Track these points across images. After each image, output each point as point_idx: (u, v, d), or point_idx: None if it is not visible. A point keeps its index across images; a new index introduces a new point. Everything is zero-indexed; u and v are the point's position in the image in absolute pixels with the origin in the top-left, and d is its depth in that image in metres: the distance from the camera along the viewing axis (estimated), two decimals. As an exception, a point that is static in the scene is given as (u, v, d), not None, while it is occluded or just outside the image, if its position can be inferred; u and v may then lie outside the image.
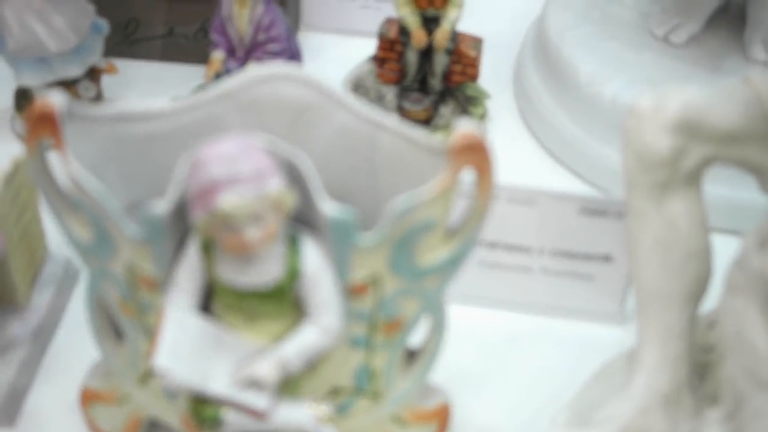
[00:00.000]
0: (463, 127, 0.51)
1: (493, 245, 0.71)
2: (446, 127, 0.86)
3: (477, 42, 0.86)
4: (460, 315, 0.64)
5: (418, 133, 0.55)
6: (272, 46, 0.81)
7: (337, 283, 0.53)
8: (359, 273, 0.53)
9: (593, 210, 0.68)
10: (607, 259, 0.70)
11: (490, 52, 0.88)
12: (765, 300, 0.50)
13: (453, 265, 0.55)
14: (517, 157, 0.86)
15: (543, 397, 0.68)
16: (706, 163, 0.60)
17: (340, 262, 0.53)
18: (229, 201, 0.48)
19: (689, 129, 0.58)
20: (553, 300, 0.72)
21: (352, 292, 0.54)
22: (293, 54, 0.84)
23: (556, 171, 0.85)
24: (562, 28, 0.87)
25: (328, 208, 0.51)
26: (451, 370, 0.64)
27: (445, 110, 0.87)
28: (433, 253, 0.54)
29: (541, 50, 0.89)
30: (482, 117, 0.86)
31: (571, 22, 0.88)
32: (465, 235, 0.54)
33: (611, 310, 0.72)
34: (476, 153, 0.51)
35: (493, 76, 0.91)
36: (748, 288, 0.51)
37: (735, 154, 0.59)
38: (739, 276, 0.52)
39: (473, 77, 0.86)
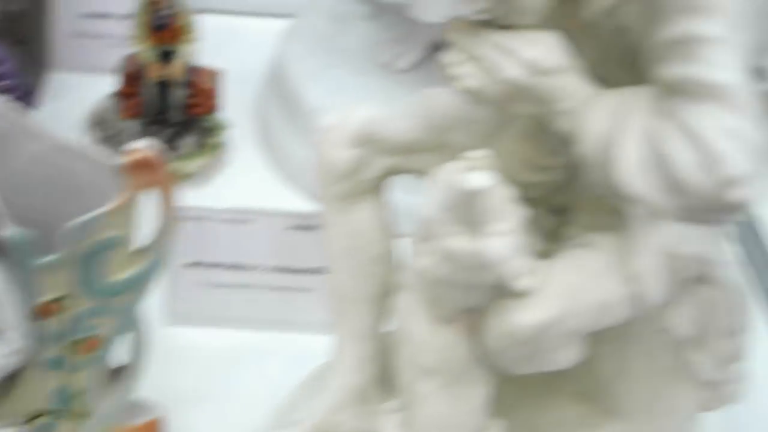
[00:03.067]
0: (135, 146, 0.54)
1: (215, 265, 0.73)
2: (190, 156, 0.89)
3: (213, 75, 0.89)
4: (182, 335, 0.66)
5: (103, 155, 0.57)
6: (2, 84, 0.82)
7: (20, 305, 0.54)
8: (47, 294, 0.55)
9: (302, 225, 0.72)
10: (319, 271, 0.73)
11: (236, 84, 0.92)
12: (424, 295, 0.54)
13: (142, 283, 0.57)
14: (256, 182, 0.89)
15: (263, 410, 0.69)
16: (388, 173, 0.64)
17: (25, 283, 0.54)
18: None
19: (368, 142, 0.62)
20: (276, 314, 0.75)
21: (40, 313, 0.55)
22: (27, 92, 0.85)
23: (294, 193, 0.88)
24: (293, 58, 0.91)
25: (6, 231, 0.52)
26: (171, 390, 0.66)
27: (190, 140, 0.90)
28: (121, 271, 0.56)
29: (275, 80, 0.92)
30: (217, 147, 0.89)
31: (303, 52, 0.92)
32: (153, 253, 0.57)
33: (330, 319, 0.75)
34: (150, 171, 0.54)
35: (237, 107, 0.94)
36: (412, 284, 0.55)
37: (412, 165, 0.63)
38: (405, 274, 0.56)
39: (211, 109, 0.89)
